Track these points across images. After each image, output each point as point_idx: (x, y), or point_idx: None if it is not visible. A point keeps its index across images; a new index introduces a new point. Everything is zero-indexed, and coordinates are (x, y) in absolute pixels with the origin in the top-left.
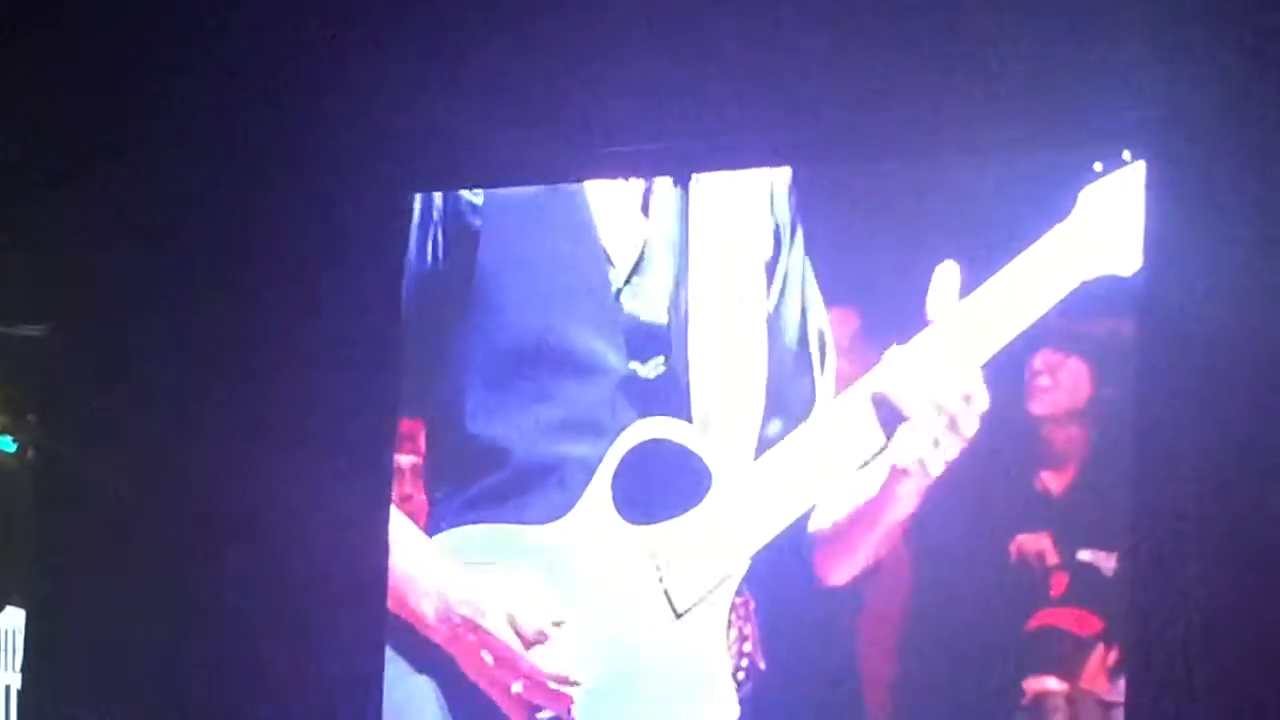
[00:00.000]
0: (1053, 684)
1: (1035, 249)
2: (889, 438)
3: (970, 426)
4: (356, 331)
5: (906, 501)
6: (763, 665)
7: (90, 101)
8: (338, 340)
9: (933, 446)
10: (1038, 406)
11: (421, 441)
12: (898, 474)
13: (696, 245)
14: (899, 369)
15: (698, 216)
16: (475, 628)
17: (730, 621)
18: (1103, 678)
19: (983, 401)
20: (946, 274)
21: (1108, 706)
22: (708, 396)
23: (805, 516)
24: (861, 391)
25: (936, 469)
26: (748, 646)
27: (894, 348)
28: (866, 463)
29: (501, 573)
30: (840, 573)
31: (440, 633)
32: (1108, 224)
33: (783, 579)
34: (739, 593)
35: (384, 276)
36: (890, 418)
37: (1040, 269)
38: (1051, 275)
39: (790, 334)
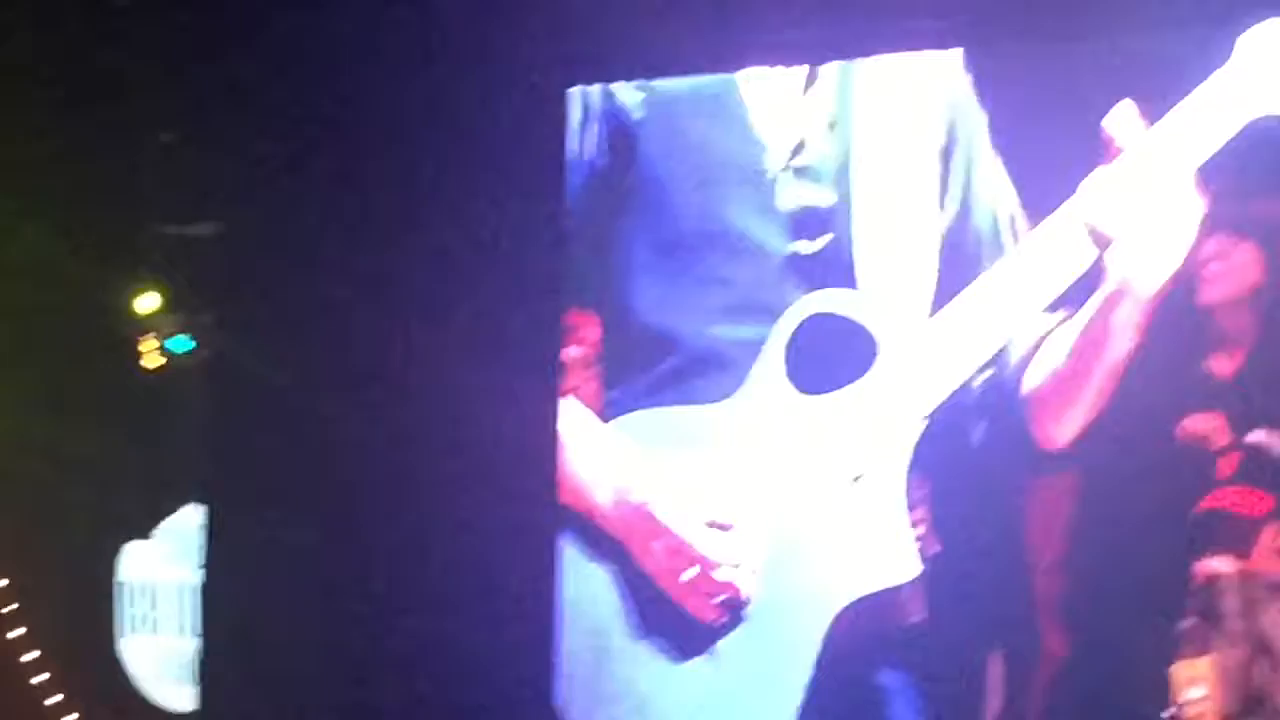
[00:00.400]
0: (1224, 566)
1: (1199, 93)
2: (1095, 260)
3: (1187, 237)
4: (521, 226)
5: (1123, 334)
6: (937, 548)
7: (253, 4)
8: (503, 235)
9: (1144, 262)
10: (1207, 293)
11: (591, 333)
12: (1110, 302)
13: (861, 127)
14: (1099, 192)
15: (863, 98)
16: (648, 515)
17: (908, 495)
18: (1275, 558)
19: (1198, 207)
20: (1127, 109)
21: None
22: (874, 266)
23: (1015, 381)
24: (1059, 221)
25: (1149, 287)
26: (921, 530)
27: (1090, 176)
28: (1069, 290)
29: (675, 454)
30: (1062, 431)
31: (613, 521)
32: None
33: (960, 453)
34: (916, 474)
35: (547, 172)
36: (1094, 240)
37: (1206, 113)
38: (1217, 117)
39: (977, 217)
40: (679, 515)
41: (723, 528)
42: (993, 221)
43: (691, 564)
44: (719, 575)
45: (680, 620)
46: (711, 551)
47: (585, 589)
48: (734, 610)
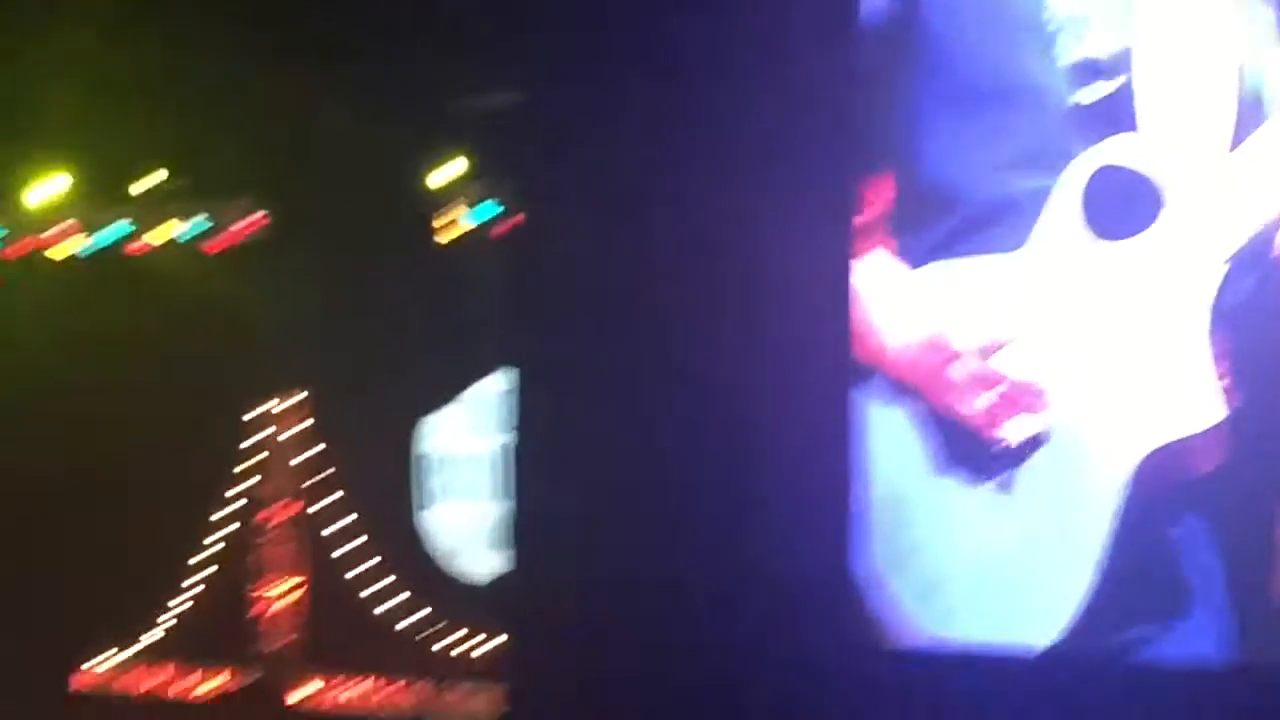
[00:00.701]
0: None
1: None
2: None
3: None
4: (810, 90)
5: None
6: (1236, 395)
7: None
8: (792, 98)
9: None
10: None
11: (884, 192)
12: None
13: None
14: None
15: None
16: (944, 346)
17: (1211, 340)
18: None
19: None
20: None
21: None
22: (1158, 115)
23: (1268, 244)
24: None
25: None
26: (1224, 376)
27: None
28: None
29: (972, 302)
30: None
31: (908, 364)
32: None
33: (1252, 302)
34: (1217, 320)
35: (836, 34)
36: None
37: None
38: None
39: (1256, 69)
40: (976, 344)
41: (1020, 359)
42: (1266, 74)
43: (990, 387)
44: (1017, 396)
45: (979, 457)
46: (1009, 373)
47: (883, 438)
48: (1033, 436)
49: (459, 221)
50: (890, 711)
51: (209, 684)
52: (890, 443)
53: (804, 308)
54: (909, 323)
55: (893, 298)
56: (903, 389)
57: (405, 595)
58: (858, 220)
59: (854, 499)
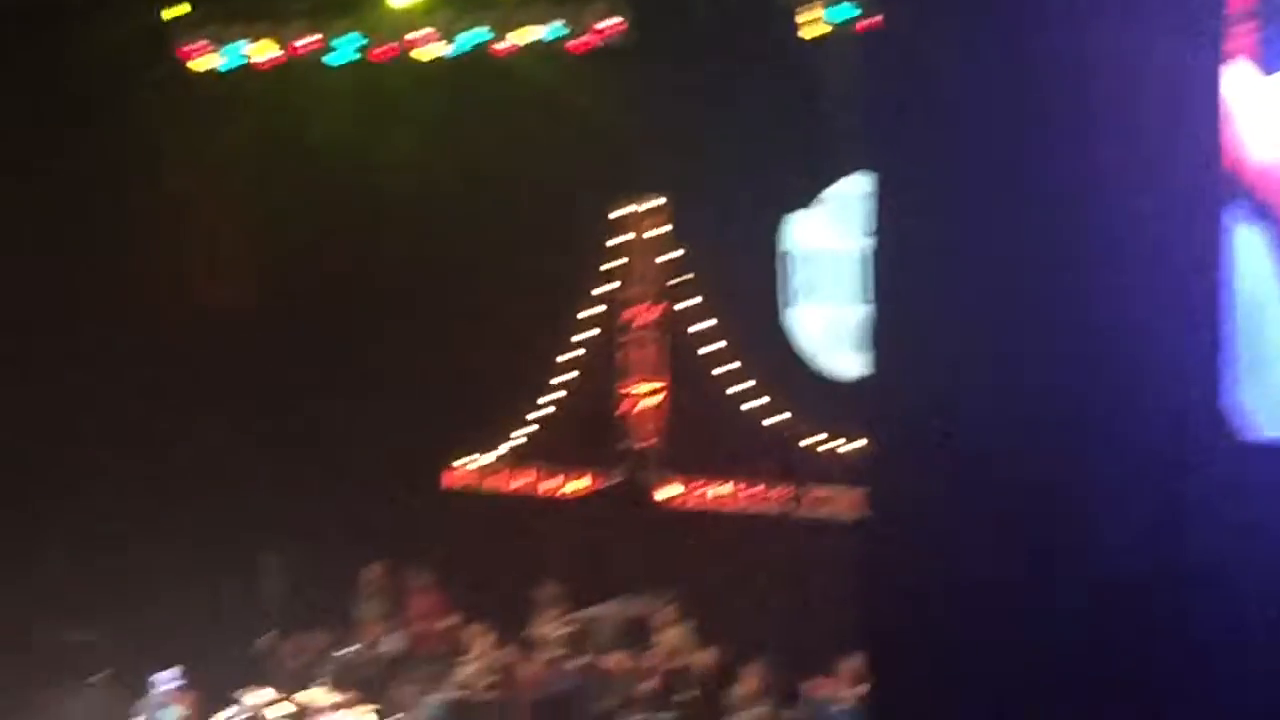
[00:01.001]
0: None
1: None
2: None
3: None
4: None
5: None
6: None
7: None
8: None
9: None
10: None
11: None
12: None
13: None
14: None
15: None
16: None
17: None
18: None
19: None
20: None
21: None
22: None
23: None
24: None
25: None
26: None
27: None
28: None
29: None
30: None
31: (1272, 182)
32: None
33: None
34: None
35: None
36: None
37: None
38: None
39: None
40: None
41: None
42: None
43: None
44: None
45: None
46: None
47: (1245, 255)
48: None
49: (821, 20)
50: (1248, 501)
51: (575, 483)
52: (1251, 259)
53: (1175, 113)
54: (1269, 140)
55: (1261, 106)
56: (1263, 210)
57: (767, 397)
58: (1226, 18)
59: (1219, 307)
